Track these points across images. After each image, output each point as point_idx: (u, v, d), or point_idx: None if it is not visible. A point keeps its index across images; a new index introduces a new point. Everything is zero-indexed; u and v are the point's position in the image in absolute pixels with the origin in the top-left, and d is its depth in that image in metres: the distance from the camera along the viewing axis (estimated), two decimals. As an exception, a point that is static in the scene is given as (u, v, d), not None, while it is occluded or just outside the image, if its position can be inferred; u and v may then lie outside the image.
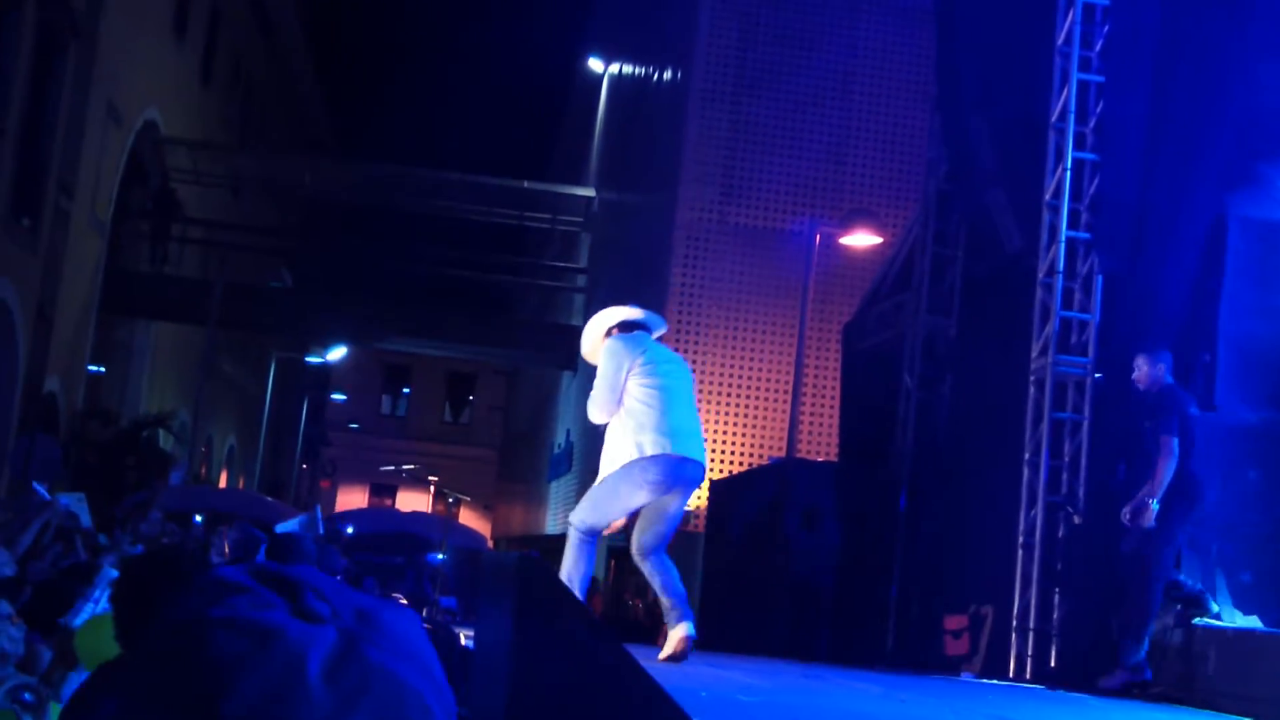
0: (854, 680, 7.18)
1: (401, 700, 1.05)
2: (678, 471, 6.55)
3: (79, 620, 5.72)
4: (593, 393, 6.69)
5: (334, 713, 1.00)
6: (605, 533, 6.88)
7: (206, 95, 28.07)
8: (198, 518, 15.44)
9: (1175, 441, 7.62)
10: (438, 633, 6.84)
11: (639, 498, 6.57)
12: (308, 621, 1.06)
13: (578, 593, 6.53)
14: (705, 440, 7.20)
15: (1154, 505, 7.52)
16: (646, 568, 6.81)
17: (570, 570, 6.66)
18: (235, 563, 7.86)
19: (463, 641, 6.41)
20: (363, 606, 1.11)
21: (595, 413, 6.71)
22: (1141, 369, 8.02)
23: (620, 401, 6.61)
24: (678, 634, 6.60)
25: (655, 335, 6.94)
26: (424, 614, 10.48)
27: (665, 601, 6.78)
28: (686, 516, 15.59)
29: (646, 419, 6.54)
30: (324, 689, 1.01)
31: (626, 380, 6.59)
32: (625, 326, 6.89)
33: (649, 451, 6.50)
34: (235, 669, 1.00)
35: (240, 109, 31.41)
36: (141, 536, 10.61)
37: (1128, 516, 7.65)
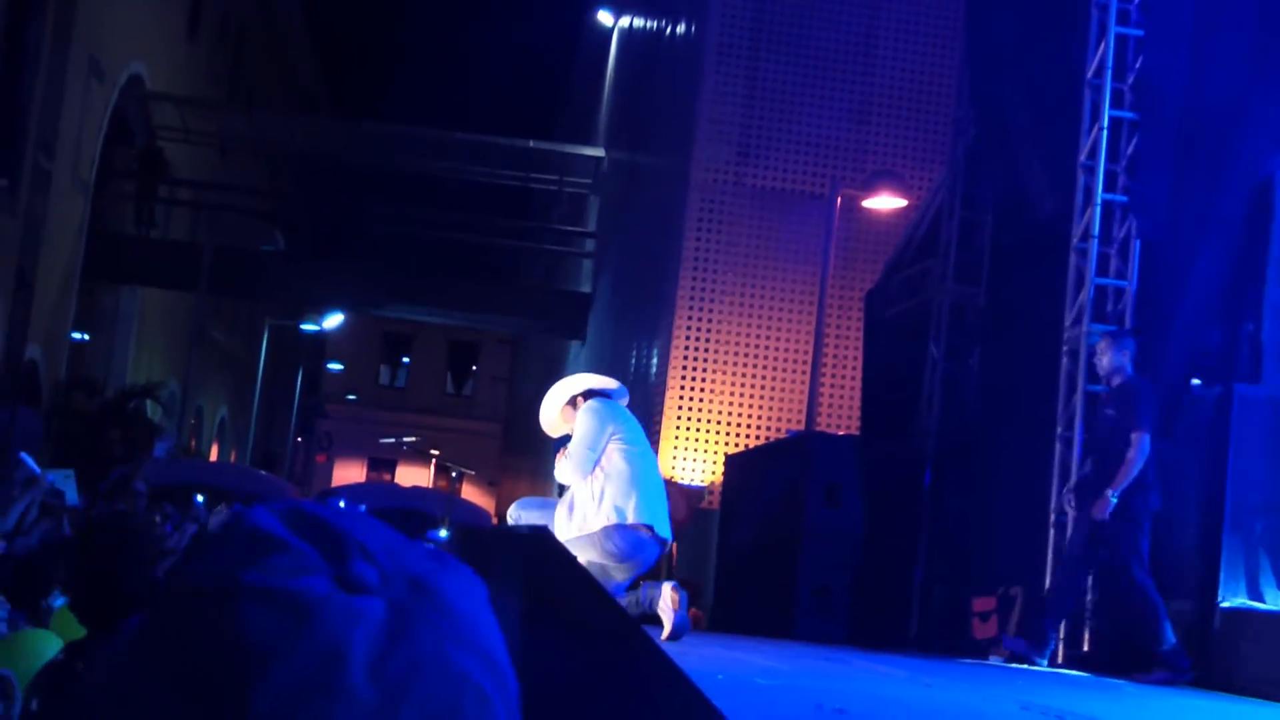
0: (877, 664, 7.20)
1: (457, 694, 0.95)
2: (643, 549, 6.70)
3: (60, 601, 5.75)
4: (570, 452, 6.80)
5: (378, 709, 0.91)
6: None
7: (194, 49, 28.05)
8: (199, 497, 15.45)
9: (1148, 438, 7.90)
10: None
11: (589, 556, 6.59)
12: (352, 593, 0.94)
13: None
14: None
15: (1112, 498, 7.71)
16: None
17: None
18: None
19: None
20: (418, 573, 0.98)
21: (570, 474, 6.81)
22: (1104, 354, 8.13)
23: (598, 463, 6.73)
24: (665, 591, 6.65)
25: (623, 403, 7.08)
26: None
27: (630, 597, 6.89)
28: (700, 494, 15.65)
29: (623, 486, 6.68)
30: (367, 679, 0.92)
31: (607, 444, 6.73)
32: (591, 395, 7.01)
33: (628, 520, 6.64)
34: (269, 654, 0.90)
35: (230, 63, 31.39)
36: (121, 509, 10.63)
37: (1071, 502, 7.77)
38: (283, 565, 0.95)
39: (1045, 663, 8.22)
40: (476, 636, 0.99)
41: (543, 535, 3.31)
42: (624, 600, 6.76)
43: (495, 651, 1.01)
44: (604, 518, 6.67)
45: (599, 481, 6.73)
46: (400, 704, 0.92)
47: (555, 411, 7.10)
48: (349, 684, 0.91)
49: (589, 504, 6.73)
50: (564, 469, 6.87)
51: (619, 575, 6.78)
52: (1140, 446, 7.91)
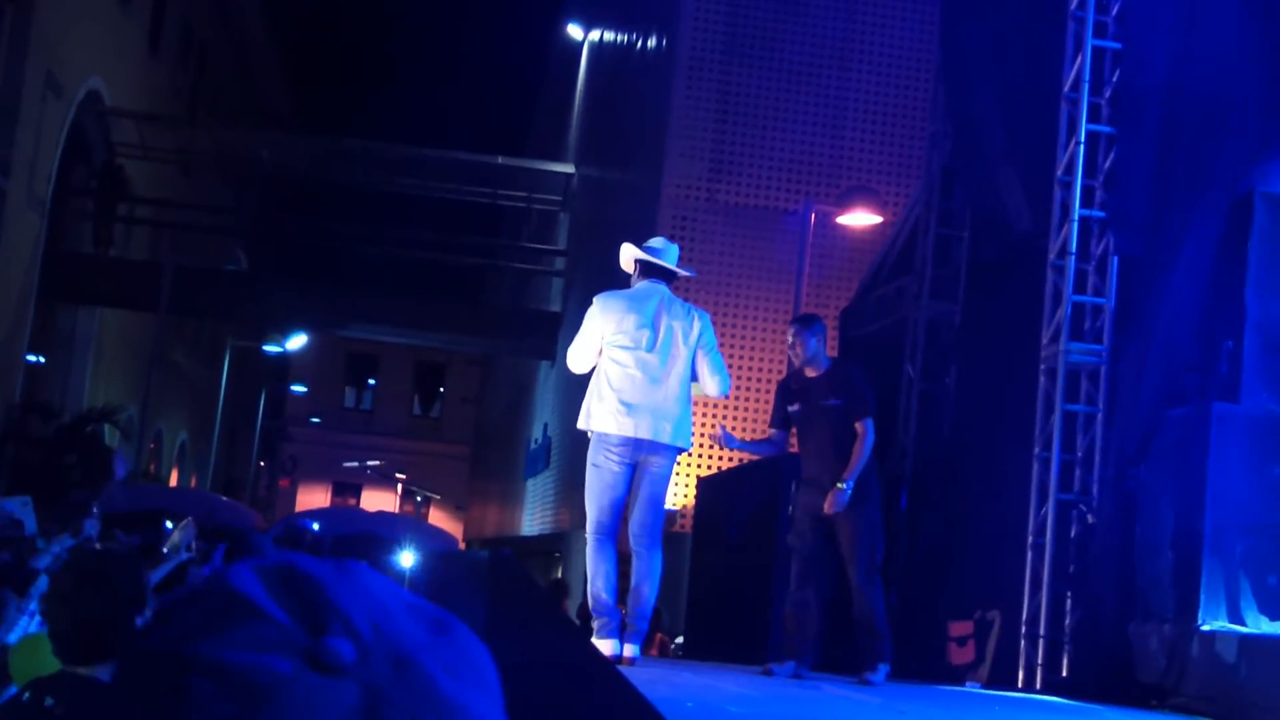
0: (851, 691, 7.17)
1: None
2: (627, 442, 7.10)
3: (14, 635, 5.68)
4: (573, 342, 7.39)
5: None
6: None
7: (155, 64, 27.95)
8: (169, 523, 15.25)
9: (870, 423, 7.91)
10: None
11: (612, 469, 7.13)
12: (322, 672, 0.86)
13: (607, 599, 7.07)
14: (694, 435, 7.43)
15: (847, 489, 7.78)
16: (633, 558, 7.12)
17: (592, 576, 7.06)
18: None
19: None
20: (407, 649, 0.90)
21: (570, 361, 7.42)
22: (798, 343, 8.11)
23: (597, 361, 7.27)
24: (605, 646, 6.82)
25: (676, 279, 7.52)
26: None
27: (620, 608, 7.08)
28: (672, 517, 15.60)
29: (601, 390, 7.17)
30: None
31: (601, 346, 7.23)
32: (646, 270, 7.39)
33: (596, 427, 7.15)
34: None
35: (192, 79, 31.29)
36: (82, 540, 10.53)
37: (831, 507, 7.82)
38: (248, 637, 0.87)
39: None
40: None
41: (504, 559, 3.29)
42: (636, 559, 7.17)
43: None
44: (583, 420, 7.26)
45: (592, 380, 7.32)
46: None
47: (626, 258, 7.57)
48: None
49: (585, 402, 7.31)
50: (569, 355, 7.48)
51: (642, 484, 7.22)
52: (869, 434, 7.89)
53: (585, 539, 7.32)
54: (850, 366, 8.48)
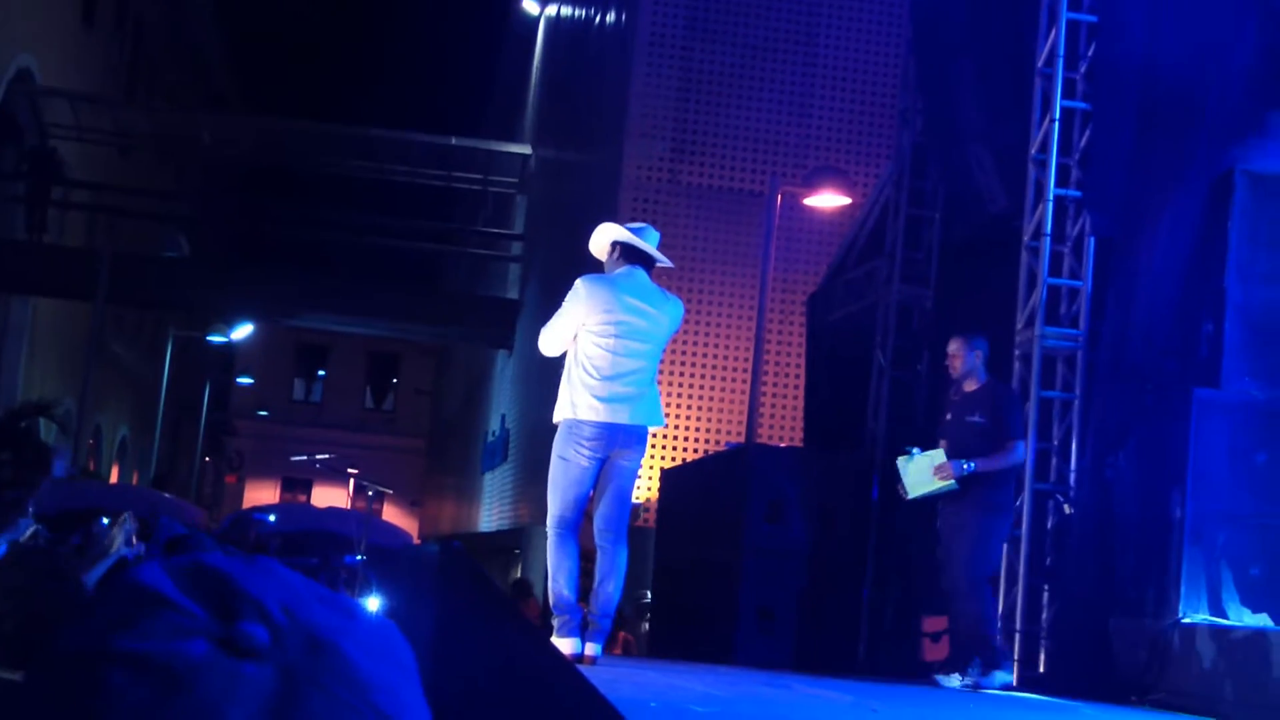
0: (821, 688, 7.18)
1: None
2: (604, 434, 7.08)
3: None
4: (549, 324, 7.29)
5: None
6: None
7: (89, 40, 27.71)
8: (104, 519, 15.14)
9: (1022, 446, 8.50)
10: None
11: (582, 464, 7.07)
12: (237, 656, 0.89)
13: (569, 596, 7.09)
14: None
15: (967, 467, 8.23)
16: (597, 553, 7.08)
17: (554, 572, 7.05)
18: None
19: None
20: (321, 632, 0.92)
21: (544, 344, 7.34)
22: (956, 357, 8.61)
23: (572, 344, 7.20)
24: (566, 645, 6.83)
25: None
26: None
27: (581, 606, 7.07)
28: (636, 510, 15.61)
29: (585, 379, 7.09)
30: None
31: (579, 331, 7.16)
32: (627, 254, 7.32)
33: (580, 415, 7.06)
34: None
35: (128, 56, 31.04)
36: (17, 541, 10.45)
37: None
38: (160, 627, 0.90)
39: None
40: (381, 704, 0.93)
41: (455, 551, 3.27)
42: (601, 553, 7.15)
43: (403, 716, 0.94)
44: (565, 410, 7.15)
45: (569, 366, 7.22)
46: None
47: (598, 244, 7.49)
48: None
49: (562, 391, 7.22)
50: (541, 337, 7.39)
51: (613, 474, 7.19)
52: (1016, 453, 8.46)
53: (545, 534, 7.30)
54: (1002, 389, 8.81)
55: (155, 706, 0.86)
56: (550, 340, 7.26)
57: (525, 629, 2.40)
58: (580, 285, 7.19)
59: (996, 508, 8.43)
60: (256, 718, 0.87)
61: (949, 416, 8.66)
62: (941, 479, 8.29)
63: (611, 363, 7.09)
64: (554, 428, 7.24)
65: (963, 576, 8.33)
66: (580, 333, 7.14)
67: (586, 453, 7.07)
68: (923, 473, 8.42)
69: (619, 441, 7.11)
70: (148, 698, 0.87)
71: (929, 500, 8.60)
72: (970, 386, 8.61)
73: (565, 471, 7.11)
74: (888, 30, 17.21)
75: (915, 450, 8.50)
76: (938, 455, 8.36)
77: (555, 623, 7.08)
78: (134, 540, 9.37)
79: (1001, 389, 8.80)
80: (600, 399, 7.06)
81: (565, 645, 6.89)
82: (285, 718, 0.88)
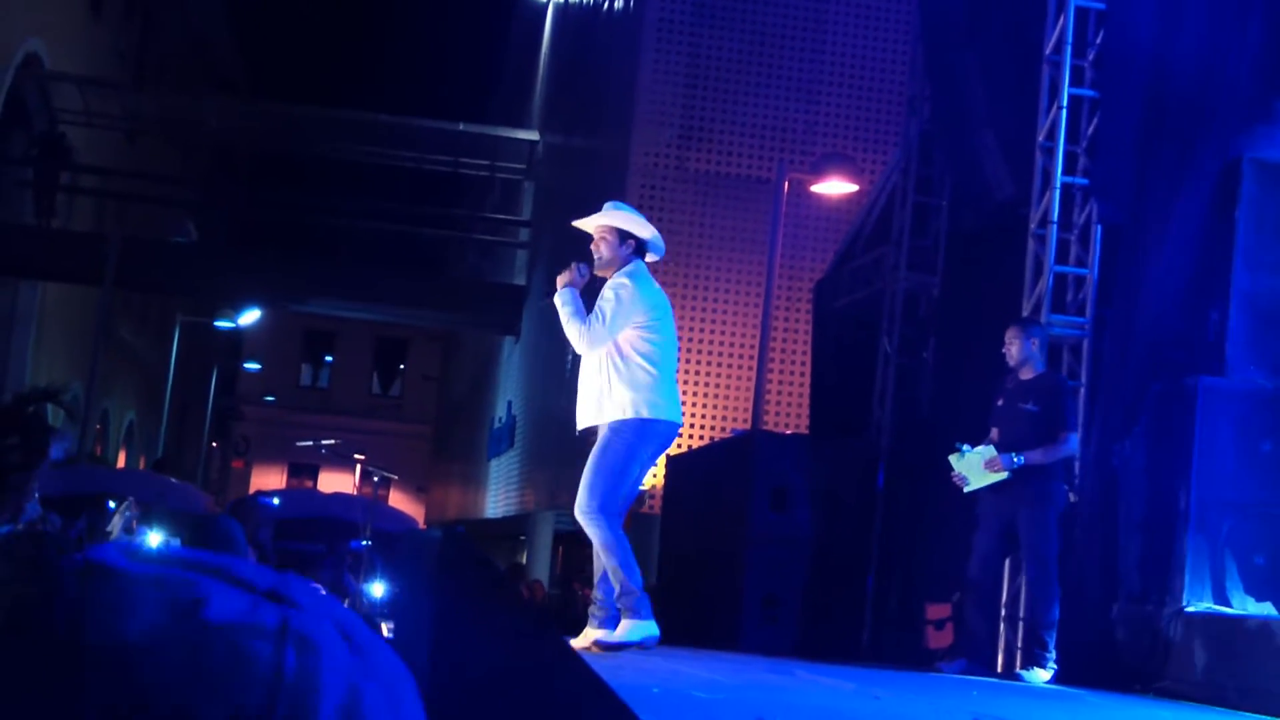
0: (825, 675, 7.18)
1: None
2: (668, 440, 7.21)
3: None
4: (593, 322, 6.95)
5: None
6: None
7: (98, 25, 27.71)
8: (111, 503, 15.12)
9: (1074, 438, 8.46)
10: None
11: (645, 463, 7.15)
12: (237, 588, 0.96)
13: (636, 576, 6.95)
14: None
15: (1017, 460, 8.22)
16: (598, 535, 6.93)
17: (622, 555, 6.96)
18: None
19: (385, 634, 6.37)
20: (303, 599, 0.99)
21: (594, 341, 6.98)
22: (1012, 345, 8.54)
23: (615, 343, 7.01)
24: (589, 634, 6.78)
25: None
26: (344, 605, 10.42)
27: (597, 595, 6.97)
28: (641, 497, 15.61)
29: (647, 378, 6.99)
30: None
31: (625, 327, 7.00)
32: (638, 247, 7.22)
33: (656, 415, 6.98)
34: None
35: (137, 41, 31.03)
36: (23, 525, 10.45)
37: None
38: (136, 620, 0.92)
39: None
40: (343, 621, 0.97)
41: (458, 536, 3.27)
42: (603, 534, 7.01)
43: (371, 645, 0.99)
44: (628, 409, 6.98)
45: (617, 366, 7.04)
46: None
47: (600, 226, 7.26)
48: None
49: (615, 390, 7.03)
50: (584, 338, 7.03)
51: (641, 470, 7.19)
52: (1070, 444, 8.43)
53: (578, 518, 7.10)
54: (1059, 380, 8.80)
55: (129, 699, 0.88)
56: (605, 340, 6.98)
57: (528, 615, 2.40)
58: (630, 283, 7.01)
59: (1052, 500, 8.41)
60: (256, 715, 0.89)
61: (1001, 403, 8.64)
62: (993, 472, 8.32)
63: (665, 357, 7.12)
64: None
65: (1033, 571, 8.44)
66: (626, 329, 7.02)
67: (654, 451, 7.16)
68: (974, 467, 8.43)
69: (664, 449, 7.39)
70: (120, 689, 0.88)
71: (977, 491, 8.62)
72: (1026, 375, 8.56)
73: (628, 468, 7.01)
74: (896, 17, 17.17)
75: (966, 447, 8.48)
76: (987, 451, 8.37)
77: (626, 604, 6.94)
78: (134, 526, 9.37)
79: (1058, 380, 8.79)
80: (670, 398, 7.10)
81: (647, 628, 6.88)
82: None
